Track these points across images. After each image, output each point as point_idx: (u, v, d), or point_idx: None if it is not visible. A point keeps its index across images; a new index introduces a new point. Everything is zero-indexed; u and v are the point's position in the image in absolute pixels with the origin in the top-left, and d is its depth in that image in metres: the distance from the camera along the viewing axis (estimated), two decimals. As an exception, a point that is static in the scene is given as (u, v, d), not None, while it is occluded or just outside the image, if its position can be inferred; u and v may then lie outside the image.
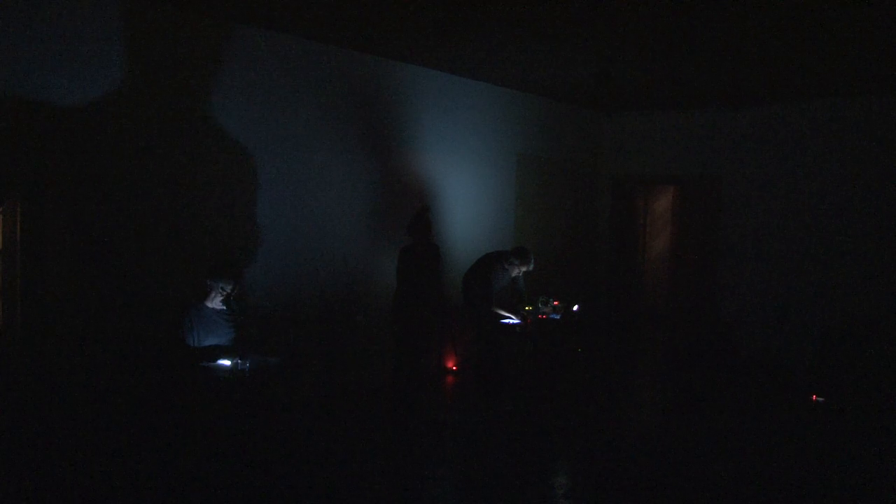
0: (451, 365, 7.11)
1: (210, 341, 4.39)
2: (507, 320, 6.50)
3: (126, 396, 4.59)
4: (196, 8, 4.98)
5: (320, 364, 5.98)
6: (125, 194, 4.78)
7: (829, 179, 7.57)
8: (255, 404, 4.41)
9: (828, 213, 7.58)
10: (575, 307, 7.02)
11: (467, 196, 7.43)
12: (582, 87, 7.43)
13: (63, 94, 4.46)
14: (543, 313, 6.73)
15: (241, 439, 4.33)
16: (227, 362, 4.25)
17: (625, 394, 6.94)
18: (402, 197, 6.68)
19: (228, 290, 4.40)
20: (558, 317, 6.79)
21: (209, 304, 4.45)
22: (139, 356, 4.69)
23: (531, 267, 6.53)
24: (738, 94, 7.60)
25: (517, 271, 6.52)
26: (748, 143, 8.17)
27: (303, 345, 5.79)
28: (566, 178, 8.82)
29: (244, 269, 4.63)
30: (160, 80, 4.94)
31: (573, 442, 5.32)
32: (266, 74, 5.57)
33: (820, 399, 6.43)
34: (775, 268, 7.95)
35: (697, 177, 8.61)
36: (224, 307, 4.44)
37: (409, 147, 6.77)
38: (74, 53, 4.49)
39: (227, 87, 5.34)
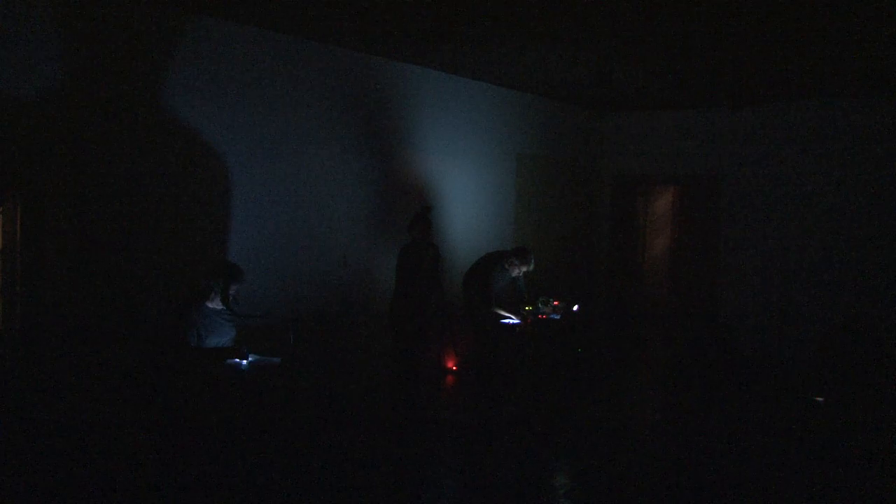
0: (451, 365, 7.11)
1: (211, 341, 4.39)
2: (507, 320, 6.49)
3: (126, 396, 4.59)
4: (195, 8, 4.98)
5: (320, 364, 5.98)
6: (125, 194, 4.78)
7: (829, 179, 7.57)
8: (255, 404, 4.41)
9: (828, 213, 7.57)
10: (575, 307, 7.02)
11: (467, 196, 7.43)
12: (582, 87, 7.43)
13: (63, 95, 4.45)
14: (543, 313, 6.73)
15: (241, 439, 4.33)
16: (244, 361, 4.27)
17: (625, 394, 6.93)
18: (402, 197, 6.68)
19: (229, 290, 4.40)
20: (558, 317, 6.79)
21: (209, 304, 4.44)
22: (139, 356, 4.68)
23: (531, 267, 6.52)
24: (738, 94, 7.60)
25: (517, 271, 6.51)
26: (748, 143, 8.16)
27: (303, 345, 5.78)
28: (566, 178, 8.81)
29: (244, 269, 4.62)
30: (159, 81, 4.94)
31: (573, 442, 5.32)
32: (266, 75, 5.57)
33: (820, 399, 6.43)
34: (775, 268, 7.95)
35: (697, 177, 8.61)
36: (224, 307, 4.44)
37: (409, 147, 6.77)
38: (75, 54, 4.49)
39: (226, 87, 5.34)
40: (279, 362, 4.42)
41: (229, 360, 4.29)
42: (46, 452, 4.28)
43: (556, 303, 6.94)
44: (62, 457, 4.30)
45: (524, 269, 6.51)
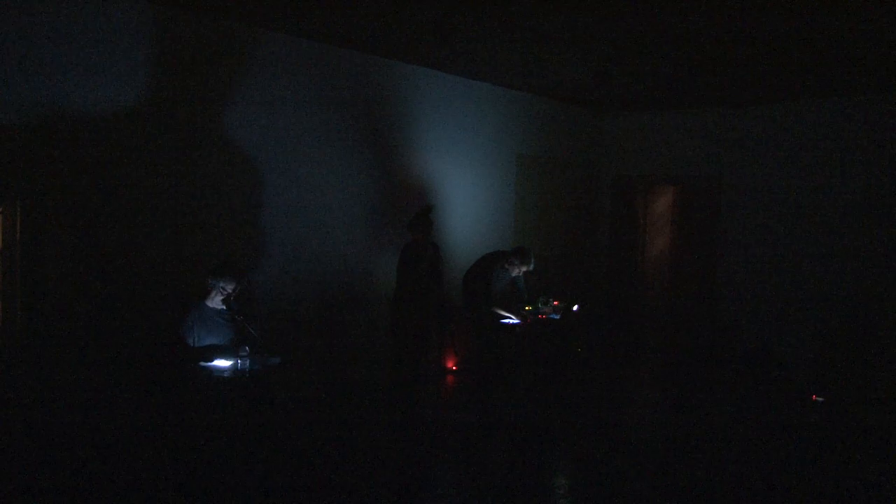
0: (451, 365, 7.11)
1: (209, 341, 4.38)
2: (507, 320, 6.49)
3: (126, 396, 4.59)
4: (196, 10, 4.98)
5: (320, 364, 5.98)
6: (126, 194, 4.78)
7: (829, 179, 7.57)
8: (255, 404, 4.41)
9: (828, 213, 7.58)
10: (575, 307, 7.02)
11: (467, 196, 7.43)
12: (582, 87, 7.43)
13: (63, 95, 4.45)
14: (543, 313, 6.73)
15: (240, 439, 4.33)
16: (225, 363, 4.25)
17: (625, 393, 6.94)
18: (402, 197, 6.68)
19: (229, 290, 4.40)
20: (558, 317, 6.79)
21: (210, 304, 4.44)
22: (139, 356, 4.68)
23: (531, 267, 6.52)
24: (738, 94, 7.60)
25: (517, 271, 6.51)
26: (748, 143, 8.17)
27: (303, 345, 5.78)
28: (566, 178, 8.82)
29: (246, 269, 4.62)
30: (159, 81, 4.94)
31: (573, 442, 5.33)
32: (265, 75, 5.57)
33: (820, 399, 6.43)
34: (775, 268, 7.95)
35: (697, 177, 8.61)
36: (224, 307, 4.43)
37: (409, 147, 6.77)
38: (73, 54, 4.49)
39: (226, 87, 5.34)
40: (279, 362, 4.42)
41: (226, 361, 4.27)
42: (46, 453, 4.28)
43: (556, 303, 6.95)
44: (62, 457, 4.30)
45: (524, 268, 6.51)
